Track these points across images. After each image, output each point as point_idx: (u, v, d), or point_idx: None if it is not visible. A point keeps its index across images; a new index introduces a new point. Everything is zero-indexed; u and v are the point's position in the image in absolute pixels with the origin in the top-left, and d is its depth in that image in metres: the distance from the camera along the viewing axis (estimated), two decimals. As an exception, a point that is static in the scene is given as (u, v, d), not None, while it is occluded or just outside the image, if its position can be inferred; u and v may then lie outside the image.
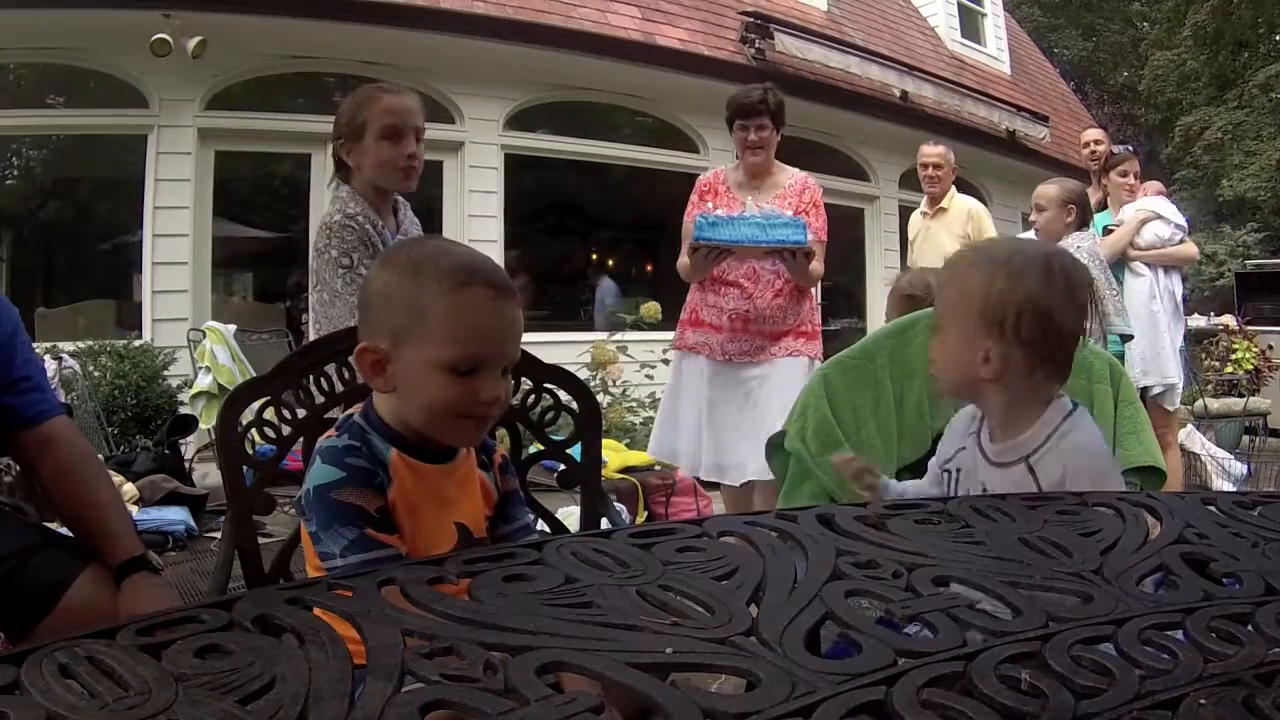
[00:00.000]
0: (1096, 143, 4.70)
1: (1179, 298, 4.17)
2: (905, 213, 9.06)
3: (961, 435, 1.36)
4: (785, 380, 2.93)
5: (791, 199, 3.03)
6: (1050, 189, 3.59)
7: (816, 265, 2.98)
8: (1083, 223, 3.55)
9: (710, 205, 3.06)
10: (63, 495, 1.42)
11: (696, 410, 3.07)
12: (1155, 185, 4.48)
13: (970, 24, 10.66)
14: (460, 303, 0.99)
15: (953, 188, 4.68)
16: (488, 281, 1.02)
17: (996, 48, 10.80)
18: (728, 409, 3.03)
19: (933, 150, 4.65)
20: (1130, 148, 4.58)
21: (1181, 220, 4.18)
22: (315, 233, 2.08)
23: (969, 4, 10.63)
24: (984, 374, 1.23)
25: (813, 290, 3.13)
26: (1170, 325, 4.09)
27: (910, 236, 4.85)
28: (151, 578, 1.38)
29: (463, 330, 0.99)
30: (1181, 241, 4.17)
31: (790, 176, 3.12)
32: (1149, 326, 3.99)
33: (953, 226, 4.50)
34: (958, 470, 1.34)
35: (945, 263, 1.39)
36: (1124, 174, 4.30)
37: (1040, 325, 1.21)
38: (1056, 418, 1.24)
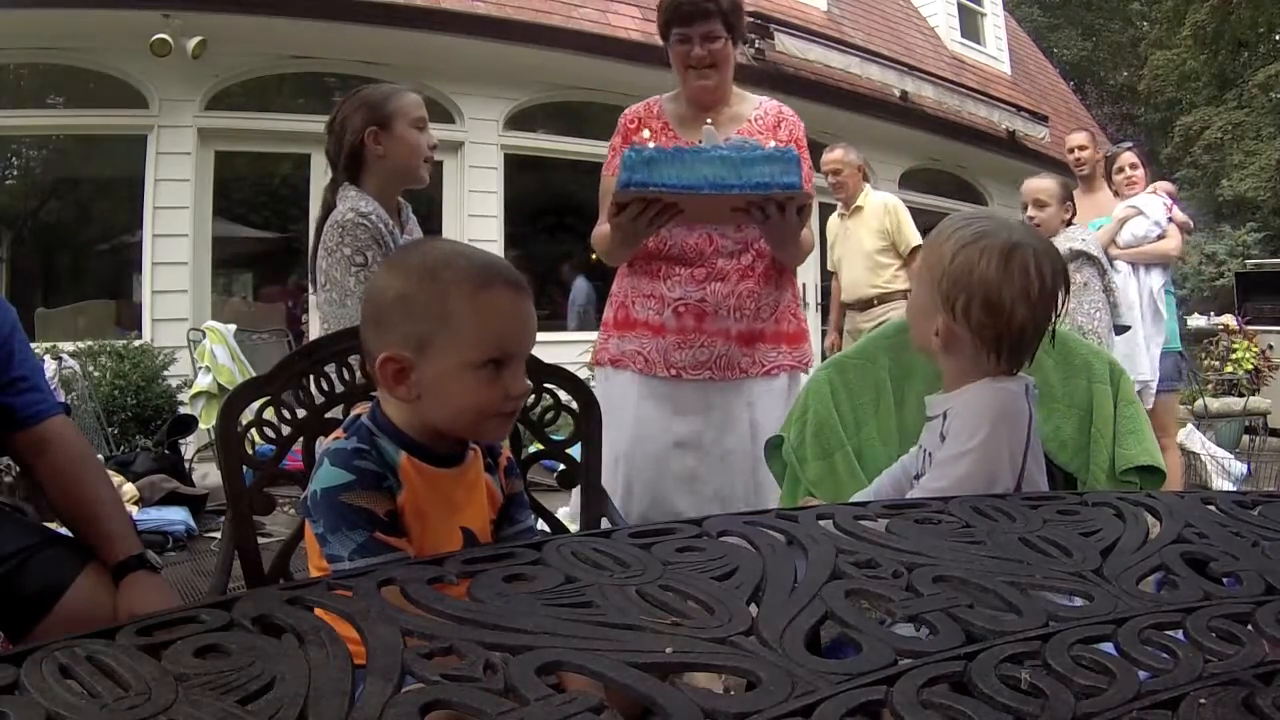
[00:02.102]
0: (1081, 148, 4.50)
1: (1157, 294, 4.08)
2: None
3: None
4: (767, 415, 2.02)
5: (763, 136, 2.07)
6: (1049, 184, 3.52)
7: (807, 232, 1.99)
8: (1070, 220, 3.54)
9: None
10: (61, 494, 1.42)
11: (618, 454, 2.04)
12: (1165, 185, 4.44)
13: (970, 24, 10.66)
14: (485, 303, 1.00)
15: (866, 185, 4.64)
16: (508, 280, 1.03)
17: (996, 48, 10.80)
18: (666, 451, 2.03)
19: (830, 156, 4.59)
20: (1129, 145, 4.53)
21: (1162, 216, 4.09)
22: (323, 232, 2.08)
23: (969, 4, 10.63)
24: (932, 344, 1.31)
25: (795, 273, 2.17)
26: (1149, 323, 4.05)
27: (830, 239, 4.80)
28: (150, 576, 1.37)
29: (490, 331, 1.00)
30: (1160, 237, 4.07)
31: (756, 105, 2.14)
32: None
33: (870, 223, 4.48)
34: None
35: (941, 223, 1.37)
36: (1120, 169, 4.27)
37: (988, 313, 1.23)
38: (986, 383, 1.27)
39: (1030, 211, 3.51)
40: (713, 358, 2.05)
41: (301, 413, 1.29)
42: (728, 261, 2.04)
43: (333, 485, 0.98)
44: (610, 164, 2.07)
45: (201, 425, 4.67)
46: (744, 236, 2.03)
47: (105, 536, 1.38)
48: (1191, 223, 4.41)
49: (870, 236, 4.48)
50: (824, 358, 4.93)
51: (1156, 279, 4.10)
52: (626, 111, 2.17)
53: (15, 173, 7.42)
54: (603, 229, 1.97)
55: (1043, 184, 3.53)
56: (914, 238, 4.44)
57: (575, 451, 1.46)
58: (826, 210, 4.87)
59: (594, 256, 2.30)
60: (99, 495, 1.42)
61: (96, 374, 4.89)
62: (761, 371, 2.06)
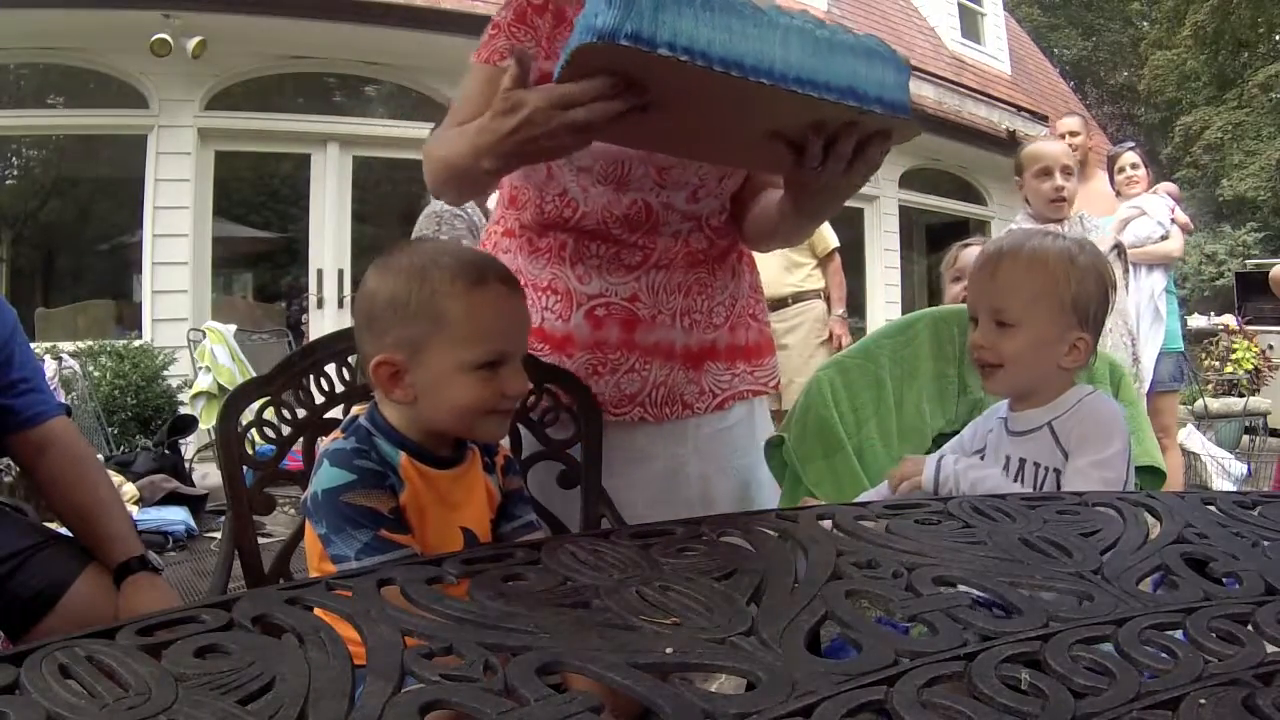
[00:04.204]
0: (1072, 134, 4.28)
1: (1158, 296, 4.09)
2: (905, 213, 9.12)
3: (990, 422, 1.40)
4: (721, 465, 1.41)
5: None
6: (1068, 149, 3.01)
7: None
8: None
9: (535, 45, 1.28)
10: (61, 496, 1.42)
11: None
12: (1168, 187, 4.43)
13: (970, 24, 10.67)
14: (479, 302, 1.00)
15: None
16: (500, 277, 1.03)
17: (996, 48, 10.80)
18: (579, 528, 1.33)
19: None
20: (1130, 144, 4.53)
21: (1165, 217, 4.10)
22: (418, 222, 2.14)
23: (969, 4, 10.63)
24: (1068, 363, 1.29)
25: (751, 256, 1.46)
26: (1147, 325, 4.04)
27: None
28: (152, 578, 1.38)
29: (485, 329, 1.00)
30: (1164, 238, 4.05)
31: None
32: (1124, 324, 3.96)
33: None
34: (983, 448, 1.38)
35: (1004, 257, 1.30)
36: (1121, 169, 4.27)
37: (1105, 312, 1.30)
38: (1082, 391, 1.31)
39: (1059, 180, 2.83)
40: (646, 388, 1.34)
41: (301, 413, 1.29)
42: (672, 241, 1.31)
43: (334, 485, 0.98)
44: (488, 45, 1.30)
45: (201, 425, 4.68)
46: (696, 211, 1.31)
47: (106, 538, 1.38)
48: (1191, 224, 4.42)
49: None
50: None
51: (1158, 280, 4.09)
52: None
53: (15, 173, 7.43)
54: (457, 134, 1.13)
55: (1063, 148, 2.96)
56: (831, 239, 4.28)
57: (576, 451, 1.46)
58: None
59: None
60: (99, 497, 1.42)
61: (96, 374, 4.90)
62: (713, 404, 1.38)
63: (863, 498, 1.47)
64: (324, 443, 1.12)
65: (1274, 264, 4.64)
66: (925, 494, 1.32)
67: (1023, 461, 1.32)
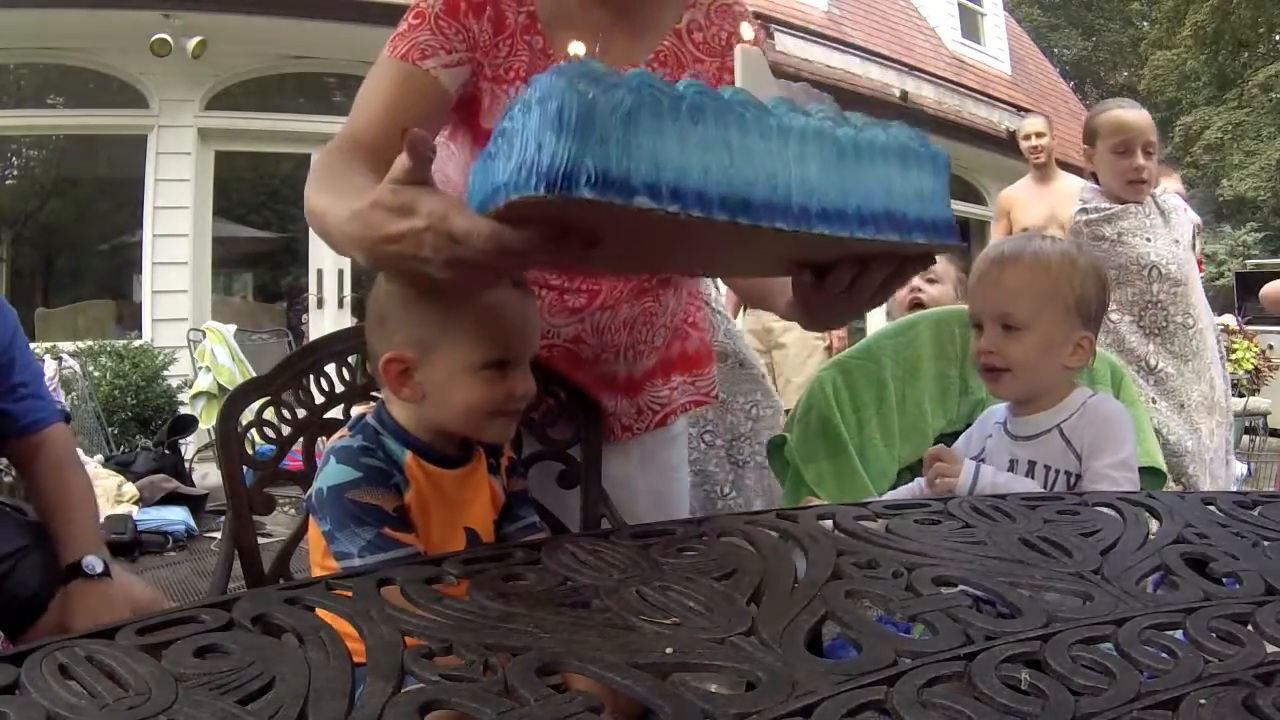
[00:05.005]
0: (1039, 135, 4.20)
1: None
2: (905, 213, 9.12)
3: (987, 427, 1.39)
4: (668, 478, 1.40)
5: (705, 66, 1.20)
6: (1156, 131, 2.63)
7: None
8: None
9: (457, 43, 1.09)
10: (38, 501, 1.43)
11: None
12: (1176, 186, 4.43)
13: (970, 24, 10.67)
14: (490, 304, 1.00)
15: None
16: (511, 281, 1.03)
17: (996, 48, 10.80)
18: None
19: None
20: None
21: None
22: None
23: (969, 4, 10.64)
24: (1073, 363, 1.31)
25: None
26: None
27: None
28: (89, 586, 1.34)
29: (495, 331, 1.00)
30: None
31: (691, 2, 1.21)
32: None
33: None
34: (981, 452, 1.38)
35: (1007, 262, 1.33)
36: None
37: (1104, 311, 1.35)
38: (1085, 394, 1.33)
39: (1140, 160, 2.49)
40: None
41: (301, 413, 1.29)
42: (616, 280, 1.23)
43: (340, 482, 0.99)
44: (407, 36, 1.09)
45: (201, 425, 4.68)
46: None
47: (58, 540, 1.37)
48: (1201, 222, 4.44)
49: None
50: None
51: None
52: None
53: (15, 173, 7.44)
54: (338, 188, 0.92)
55: (1148, 121, 2.57)
56: None
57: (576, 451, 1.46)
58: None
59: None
60: (65, 500, 1.42)
61: (96, 374, 4.90)
62: (654, 421, 1.34)
63: (891, 495, 1.47)
64: (329, 441, 1.12)
65: (1273, 263, 4.67)
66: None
67: (1031, 464, 1.32)
